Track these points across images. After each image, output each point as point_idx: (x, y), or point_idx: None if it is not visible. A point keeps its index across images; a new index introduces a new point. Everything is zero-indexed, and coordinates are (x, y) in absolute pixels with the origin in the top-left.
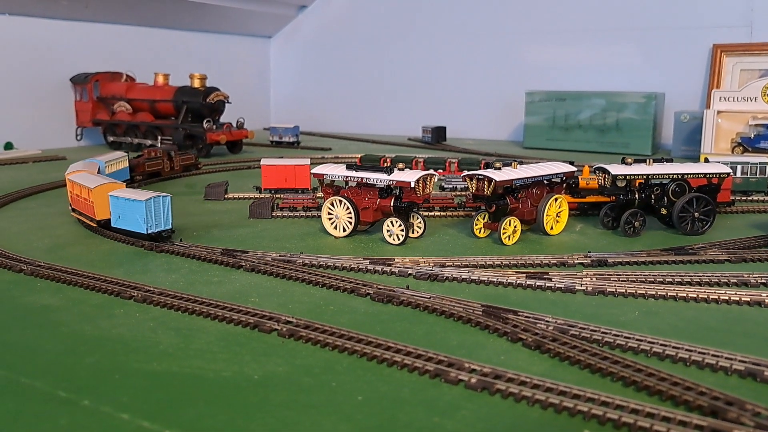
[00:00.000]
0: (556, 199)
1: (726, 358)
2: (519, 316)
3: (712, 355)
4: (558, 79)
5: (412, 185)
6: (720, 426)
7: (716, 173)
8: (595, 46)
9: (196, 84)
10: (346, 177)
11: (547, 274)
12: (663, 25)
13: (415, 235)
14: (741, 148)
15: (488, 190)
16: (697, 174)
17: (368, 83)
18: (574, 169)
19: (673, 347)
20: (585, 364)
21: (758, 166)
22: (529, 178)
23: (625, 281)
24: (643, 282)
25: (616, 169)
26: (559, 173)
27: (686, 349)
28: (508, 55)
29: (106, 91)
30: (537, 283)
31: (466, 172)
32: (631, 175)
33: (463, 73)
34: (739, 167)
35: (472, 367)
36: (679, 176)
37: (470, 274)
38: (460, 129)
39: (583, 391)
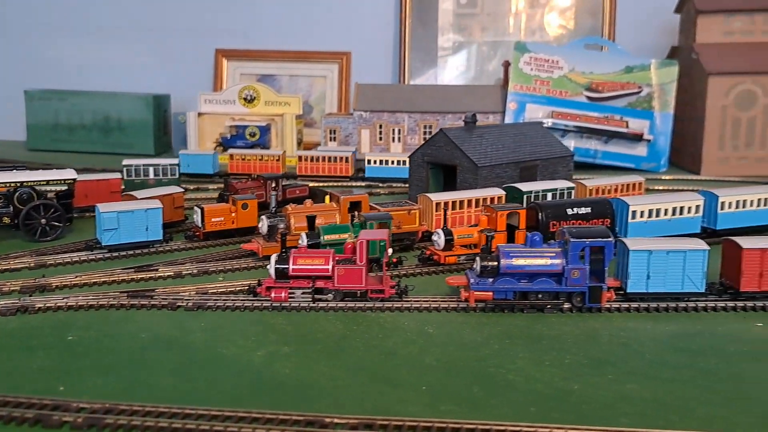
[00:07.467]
0: None
1: None
2: None
3: None
4: (63, 78)
5: None
6: None
7: (61, 179)
8: (104, 45)
9: None
10: None
11: None
12: (170, 26)
13: None
14: (221, 147)
15: None
16: (39, 181)
17: None
18: None
19: None
20: None
21: (169, 167)
22: None
23: None
24: None
25: None
26: None
27: None
28: (9, 50)
29: None
30: None
31: None
32: None
33: None
34: (151, 169)
35: None
36: (27, 183)
37: None
38: None
39: None
